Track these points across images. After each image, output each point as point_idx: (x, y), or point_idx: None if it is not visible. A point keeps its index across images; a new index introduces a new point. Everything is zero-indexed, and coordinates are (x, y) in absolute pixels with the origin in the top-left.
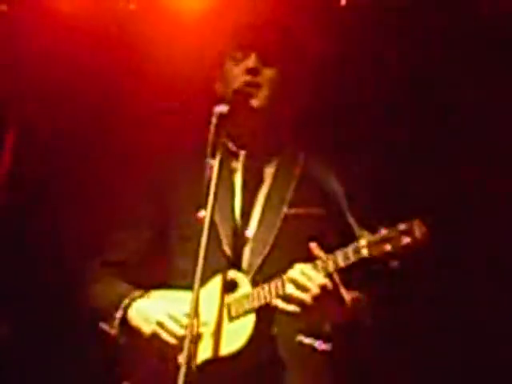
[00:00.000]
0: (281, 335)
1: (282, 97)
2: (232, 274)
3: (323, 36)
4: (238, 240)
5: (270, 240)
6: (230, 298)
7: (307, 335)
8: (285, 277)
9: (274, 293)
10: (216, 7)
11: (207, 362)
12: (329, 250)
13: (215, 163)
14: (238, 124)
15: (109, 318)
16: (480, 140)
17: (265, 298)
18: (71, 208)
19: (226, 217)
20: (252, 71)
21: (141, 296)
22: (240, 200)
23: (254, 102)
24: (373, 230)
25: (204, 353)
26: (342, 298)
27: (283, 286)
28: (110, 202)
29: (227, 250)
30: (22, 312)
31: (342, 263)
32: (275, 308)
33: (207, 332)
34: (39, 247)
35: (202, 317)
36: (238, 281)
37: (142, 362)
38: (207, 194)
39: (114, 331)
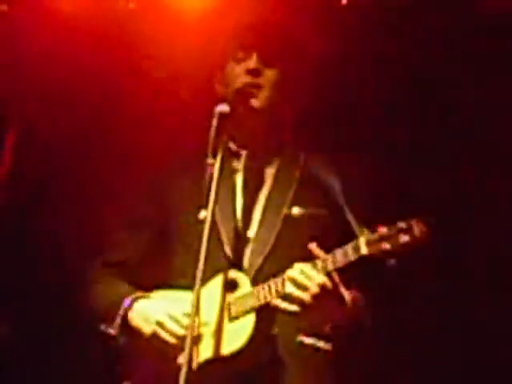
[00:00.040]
0: (281, 335)
1: (282, 97)
2: (232, 273)
3: (324, 36)
4: (239, 240)
5: (271, 240)
6: (230, 298)
7: (308, 335)
8: (285, 276)
9: (273, 292)
10: (216, 6)
11: (208, 362)
12: (330, 249)
13: (216, 163)
14: (239, 124)
15: (109, 319)
16: (480, 140)
17: (265, 297)
18: (71, 208)
19: (227, 217)
20: (253, 72)
21: (141, 296)
22: (241, 200)
23: (255, 103)
24: (372, 229)
25: (204, 352)
26: (341, 298)
27: (283, 285)
28: (110, 202)
29: (228, 250)
30: (22, 312)
31: (341, 262)
32: (275, 308)
33: (208, 332)
34: (39, 247)
35: (203, 316)
36: (239, 281)
37: (142, 362)
38: (208, 194)
39: (114, 331)
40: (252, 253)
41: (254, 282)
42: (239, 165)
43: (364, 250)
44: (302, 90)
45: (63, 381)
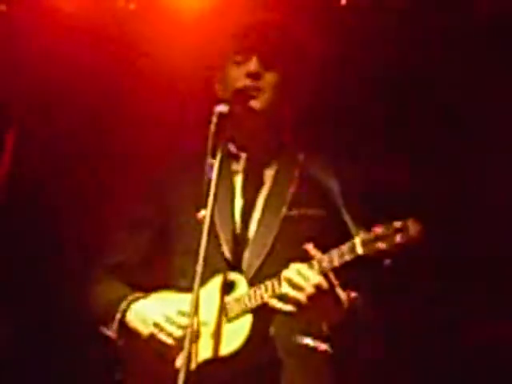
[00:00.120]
0: (279, 335)
1: (282, 99)
2: (230, 274)
3: (323, 36)
4: (238, 242)
5: (270, 241)
6: (227, 299)
7: (306, 335)
8: (281, 276)
9: (270, 292)
10: (216, 6)
11: (206, 362)
12: (329, 250)
13: (215, 163)
14: (239, 125)
15: (108, 320)
16: (480, 140)
17: (261, 297)
18: (71, 208)
19: (226, 219)
20: (253, 75)
21: (139, 298)
22: (240, 202)
23: (255, 104)
24: (369, 229)
25: (203, 353)
26: (338, 298)
27: (279, 285)
28: (109, 202)
29: (226, 251)
30: (22, 312)
31: (337, 262)
32: (272, 308)
33: (206, 332)
34: (39, 247)
35: (201, 317)
36: (236, 281)
37: (141, 363)
38: (207, 194)
39: (112, 333)
40: (251, 254)
41: (253, 282)
42: (239, 167)
43: (359, 250)
44: (301, 91)
45: (63, 381)
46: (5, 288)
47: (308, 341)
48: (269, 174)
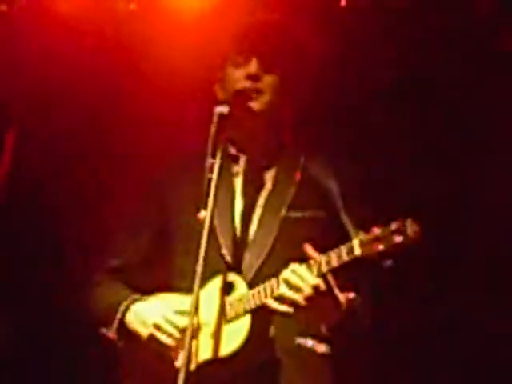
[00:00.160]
0: (279, 337)
1: (282, 100)
2: (230, 275)
3: (323, 37)
4: (238, 243)
5: (269, 243)
6: (227, 300)
7: (305, 336)
8: (280, 277)
9: (268, 293)
10: (215, 7)
11: (206, 363)
12: (328, 251)
13: (215, 163)
14: (238, 126)
15: (108, 322)
16: (480, 140)
17: (260, 298)
18: (71, 208)
19: (226, 220)
20: (253, 77)
21: (139, 299)
22: (240, 204)
23: (254, 105)
24: (368, 230)
25: (203, 354)
26: (336, 299)
27: (278, 286)
28: (109, 202)
29: (226, 252)
30: (22, 312)
31: (335, 263)
32: (271, 309)
33: (205, 333)
34: (39, 247)
35: (201, 318)
36: (236, 282)
37: (140, 364)
38: (207, 195)
39: (112, 335)
40: (250, 255)
41: (252, 283)
42: (239, 169)
43: (358, 251)
44: (301, 91)
45: (63, 381)
46: (5, 288)
47: (307, 342)
48: (269, 175)
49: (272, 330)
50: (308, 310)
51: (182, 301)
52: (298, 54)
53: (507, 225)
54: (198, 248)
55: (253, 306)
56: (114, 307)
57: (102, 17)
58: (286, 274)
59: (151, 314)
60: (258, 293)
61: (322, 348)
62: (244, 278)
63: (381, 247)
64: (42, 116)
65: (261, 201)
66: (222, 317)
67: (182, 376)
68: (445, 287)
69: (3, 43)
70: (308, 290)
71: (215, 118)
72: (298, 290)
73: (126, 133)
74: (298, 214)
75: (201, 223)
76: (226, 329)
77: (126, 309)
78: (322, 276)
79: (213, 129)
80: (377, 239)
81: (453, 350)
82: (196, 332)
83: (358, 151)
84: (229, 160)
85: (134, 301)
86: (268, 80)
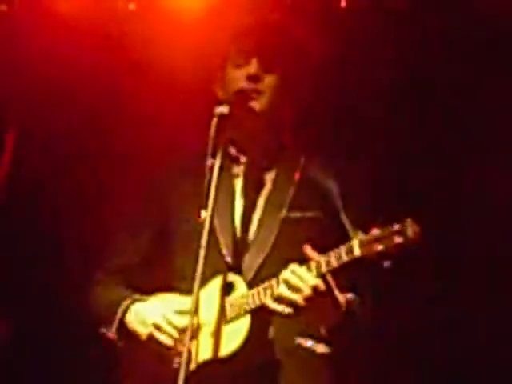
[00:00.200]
0: (278, 337)
1: (282, 100)
2: (230, 276)
3: (323, 37)
4: (238, 243)
5: (269, 243)
6: (227, 300)
7: (305, 337)
8: (279, 278)
9: (268, 294)
10: (215, 7)
11: (206, 363)
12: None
13: (215, 164)
14: (239, 126)
15: (108, 322)
16: (480, 140)
17: (259, 299)
18: (71, 208)
19: (226, 221)
20: (253, 78)
21: (138, 299)
22: (240, 204)
23: (255, 105)
24: (368, 231)
25: (203, 354)
26: (336, 300)
27: (278, 287)
28: (109, 202)
29: (226, 253)
30: (22, 312)
31: (334, 263)
32: (271, 309)
33: (205, 333)
34: (39, 247)
35: (201, 318)
36: (236, 283)
37: (140, 364)
38: (207, 196)
39: (112, 335)
40: (250, 255)
41: (252, 284)
42: (239, 170)
43: (357, 252)
44: (301, 92)
45: (63, 381)
46: (5, 288)
47: (307, 342)
48: (269, 176)
49: (272, 331)
50: (307, 311)
51: (182, 301)
52: (298, 54)
53: (507, 225)
54: (198, 248)
55: (252, 307)
56: (113, 307)
57: (101, 17)
58: (285, 274)
59: (151, 314)
60: (258, 293)
61: (321, 348)
62: (244, 279)
63: (380, 248)
64: (42, 116)
65: (261, 201)
66: (222, 317)
67: (181, 376)
68: (445, 287)
69: (3, 43)
70: (307, 291)
71: (215, 118)
72: (297, 290)
73: (126, 133)
74: (298, 215)
75: (201, 223)
76: (226, 329)
77: (126, 309)
78: (322, 276)
79: (213, 129)
80: (376, 240)
81: (453, 350)
82: (196, 332)
83: (357, 151)
84: (229, 160)
85: (134, 301)
86: (268, 80)
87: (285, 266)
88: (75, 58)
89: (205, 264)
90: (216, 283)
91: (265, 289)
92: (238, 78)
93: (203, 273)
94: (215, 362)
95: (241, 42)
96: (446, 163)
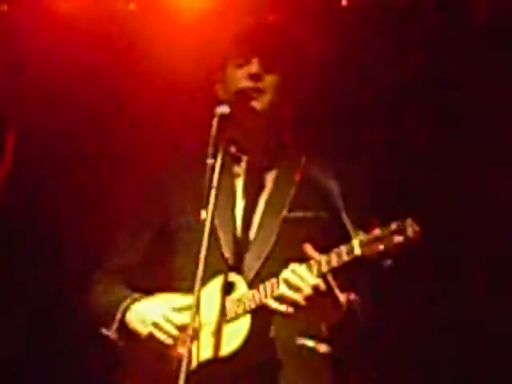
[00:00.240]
0: (279, 336)
1: (283, 100)
2: (230, 275)
3: (324, 37)
4: (238, 243)
5: (270, 243)
6: (227, 300)
7: (305, 336)
8: (280, 277)
9: (269, 293)
10: (216, 7)
11: (206, 362)
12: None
13: (216, 164)
14: (239, 126)
15: (108, 321)
16: (480, 140)
17: (260, 298)
18: (71, 208)
19: (227, 221)
20: (254, 77)
21: (139, 298)
22: (241, 204)
23: (256, 104)
24: (368, 230)
25: (203, 353)
26: (336, 299)
27: (278, 286)
28: (109, 202)
29: (227, 253)
30: (22, 312)
31: (335, 263)
32: (271, 309)
33: (206, 333)
34: (39, 247)
35: (201, 317)
36: (236, 282)
37: (141, 363)
38: (208, 196)
39: (112, 334)
40: (251, 255)
41: (253, 283)
42: (240, 169)
43: (358, 251)
44: (302, 91)
45: (63, 381)
46: (5, 288)
47: (308, 342)
48: (269, 176)
49: (272, 330)
50: (308, 310)
51: (183, 300)
52: (299, 53)
53: (507, 225)
54: (198, 248)
55: (253, 306)
56: (113, 306)
57: (101, 17)
58: (286, 274)
59: (151, 314)
60: (259, 293)
61: (322, 348)
62: (244, 278)
63: (381, 247)
64: (42, 116)
65: (261, 201)
66: (223, 316)
67: (182, 375)
68: (445, 287)
69: (4, 43)
70: (308, 290)
71: (216, 118)
72: (297, 289)
73: (126, 133)
74: (299, 215)
75: (201, 223)
76: (227, 328)
77: (127, 308)
78: (322, 276)
79: (213, 129)
80: (377, 239)
81: (453, 349)
82: (196, 331)
83: (358, 151)
84: (230, 160)
85: (135, 300)
86: (269, 79)
87: (285, 265)
88: (75, 58)
89: (205, 264)
90: (217, 283)
91: (265, 288)
92: (239, 78)
93: (204, 273)
94: (216, 361)
95: (241, 42)
96: (447, 163)
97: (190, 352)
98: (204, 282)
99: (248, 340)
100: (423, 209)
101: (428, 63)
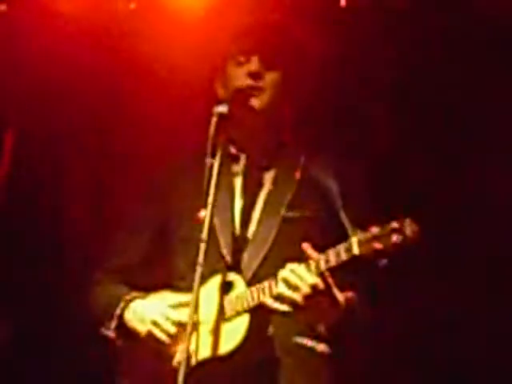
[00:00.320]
0: (277, 335)
1: (282, 99)
2: (229, 275)
3: (323, 37)
4: (237, 242)
5: (269, 242)
6: (226, 299)
7: (304, 336)
8: (278, 277)
9: (267, 292)
10: (216, 6)
11: (205, 361)
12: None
13: (215, 163)
14: (239, 124)
15: (107, 320)
16: (480, 140)
17: (258, 297)
18: (71, 208)
19: (226, 220)
20: (254, 75)
21: (137, 297)
22: (240, 203)
23: (255, 102)
24: (366, 229)
25: (202, 352)
26: (335, 298)
27: (276, 285)
28: (109, 202)
29: (225, 252)
30: (22, 312)
31: (333, 262)
32: (270, 308)
33: (204, 331)
34: (39, 247)
35: (200, 316)
36: (235, 281)
37: (140, 362)
38: (207, 195)
39: (111, 333)
40: (249, 254)
41: (251, 283)
42: (238, 168)
43: (356, 250)
44: (301, 90)
45: (63, 381)
46: (5, 288)
47: (306, 341)
48: (268, 175)
49: (271, 329)
50: (307, 309)
51: (182, 299)
52: (299, 52)
53: (507, 225)
54: (197, 247)
55: (251, 305)
56: (113, 305)
57: (102, 17)
58: (284, 273)
59: (150, 312)
60: (257, 292)
61: (320, 347)
62: (243, 277)
63: (379, 246)
64: (42, 116)
65: (260, 200)
66: (221, 315)
67: (181, 374)
68: (444, 287)
69: (3, 43)
70: (306, 290)
71: (215, 118)
72: (296, 289)
73: (126, 133)
74: (298, 214)
75: (200, 223)
76: (225, 327)
77: (125, 306)
78: (321, 275)
79: (212, 128)
80: (375, 238)
81: (453, 350)
82: (195, 330)
83: (357, 151)
84: (229, 159)
85: (133, 298)
86: (269, 78)
87: (284, 265)
88: (75, 58)
89: (204, 263)
90: (215, 282)
91: (264, 287)
92: (239, 76)
93: (203, 273)
94: (214, 359)
95: (242, 40)
96: (447, 163)
97: (188, 351)
98: (203, 280)
99: (246, 339)
100: (422, 208)
101: (428, 63)
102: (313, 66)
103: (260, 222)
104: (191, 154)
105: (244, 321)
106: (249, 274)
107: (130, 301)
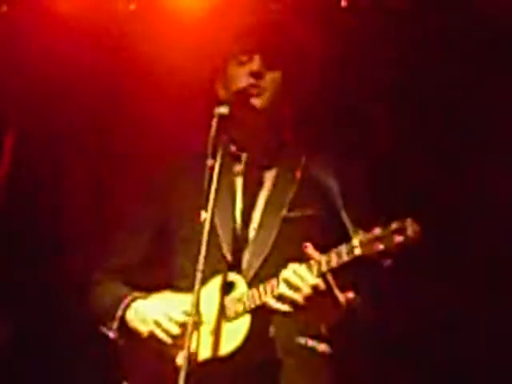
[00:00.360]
0: (278, 336)
1: (283, 98)
2: (230, 275)
3: (324, 37)
4: (238, 242)
5: (270, 242)
6: (227, 299)
7: (305, 336)
8: (279, 277)
9: (268, 293)
10: (216, 7)
11: (206, 362)
12: (328, 251)
13: (216, 164)
14: (240, 124)
15: (108, 320)
16: (480, 140)
17: (259, 298)
18: (71, 208)
19: (227, 220)
20: (256, 74)
21: (139, 297)
22: (241, 203)
23: (256, 102)
24: (368, 230)
25: (203, 352)
26: (336, 299)
27: (278, 286)
28: (109, 202)
29: (226, 252)
30: (22, 312)
31: (335, 263)
32: (271, 308)
33: (205, 332)
34: (39, 247)
35: (201, 317)
36: (236, 282)
37: (141, 362)
38: (208, 195)
39: (113, 333)
40: (250, 254)
41: (252, 283)
42: (239, 168)
43: (358, 251)
44: (302, 90)
45: (63, 381)
46: (5, 288)
47: (307, 341)
48: (269, 175)
49: (272, 330)
50: (308, 310)
51: (183, 299)
52: (299, 52)
53: (507, 225)
54: (198, 247)
55: (253, 306)
56: (114, 306)
57: (101, 17)
58: (285, 273)
59: (152, 312)
60: (258, 292)
61: (321, 348)
62: (244, 278)
63: (381, 247)
64: (42, 116)
65: (261, 200)
66: (222, 316)
67: (182, 375)
68: (445, 287)
69: (4, 43)
70: (307, 290)
71: (215, 119)
72: (297, 289)
73: (126, 133)
74: (299, 214)
75: (201, 223)
76: (226, 328)
77: (126, 307)
78: (322, 276)
79: (213, 129)
80: (377, 239)
81: (453, 349)
82: (196, 331)
83: (358, 150)
84: (230, 159)
85: (135, 298)
86: (270, 77)
87: (285, 265)
88: (75, 58)
89: (205, 263)
90: (216, 282)
91: (265, 288)
92: (241, 76)
93: (204, 273)
94: (215, 360)
95: (243, 41)
96: (447, 163)
97: (189, 352)
98: (204, 281)
99: (248, 339)
100: (423, 208)
101: (428, 63)
102: (313, 65)
103: (261, 221)
104: (191, 154)
105: (245, 321)
106: (250, 274)
107: (132, 300)
